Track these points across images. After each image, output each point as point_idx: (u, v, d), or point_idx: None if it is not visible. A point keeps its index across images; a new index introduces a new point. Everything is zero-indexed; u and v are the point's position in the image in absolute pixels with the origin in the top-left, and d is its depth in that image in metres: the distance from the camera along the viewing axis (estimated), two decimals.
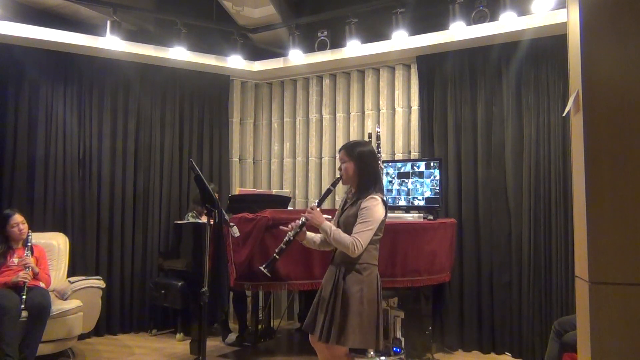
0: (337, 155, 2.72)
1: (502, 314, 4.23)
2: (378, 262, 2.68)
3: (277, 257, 2.64)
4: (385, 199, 2.63)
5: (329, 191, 2.74)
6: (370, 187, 2.59)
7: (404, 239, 3.67)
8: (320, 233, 2.69)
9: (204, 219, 4.25)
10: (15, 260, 3.81)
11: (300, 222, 2.63)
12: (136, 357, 4.19)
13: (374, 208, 2.52)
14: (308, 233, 2.74)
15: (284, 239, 2.65)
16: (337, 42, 4.87)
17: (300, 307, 5.14)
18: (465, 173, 4.44)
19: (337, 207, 2.87)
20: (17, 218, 3.87)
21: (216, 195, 3.72)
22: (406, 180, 4.21)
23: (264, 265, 2.66)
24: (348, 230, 2.55)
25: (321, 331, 2.54)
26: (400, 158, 4.82)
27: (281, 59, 5.31)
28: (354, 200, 2.62)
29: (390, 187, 4.26)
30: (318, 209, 2.60)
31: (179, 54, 4.81)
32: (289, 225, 2.67)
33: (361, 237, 2.48)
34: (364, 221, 2.51)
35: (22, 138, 4.53)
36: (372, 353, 3.75)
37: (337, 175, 2.72)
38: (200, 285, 3.07)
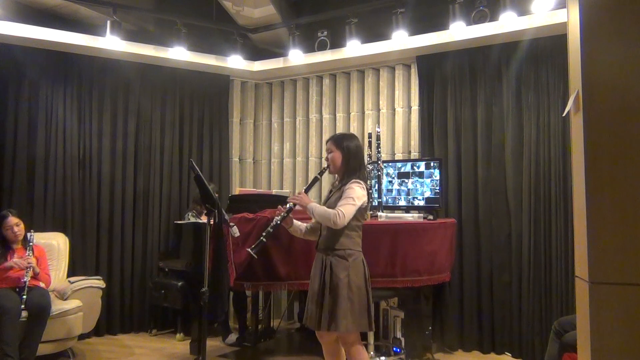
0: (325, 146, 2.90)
1: (502, 314, 4.23)
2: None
3: (264, 239, 2.78)
4: (368, 187, 2.80)
5: (315, 179, 2.91)
6: (354, 176, 2.73)
7: (404, 239, 3.66)
8: (307, 222, 2.89)
9: (204, 219, 4.24)
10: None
11: (288, 207, 2.79)
12: (136, 357, 4.20)
13: (357, 188, 2.68)
14: (295, 221, 2.90)
15: (271, 223, 2.80)
16: (337, 42, 4.86)
17: (300, 307, 5.14)
18: (465, 173, 4.44)
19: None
20: (12, 221, 3.81)
21: (216, 195, 3.73)
22: (406, 180, 4.21)
23: (251, 247, 2.80)
24: None
25: (318, 320, 2.65)
26: (400, 158, 4.82)
27: (281, 59, 5.30)
28: (339, 187, 2.76)
29: (390, 187, 4.26)
30: (304, 193, 2.78)
31: (179, 54, 4.81)
32: (277, 210, 2.82)
33: (344, 209, 2.62)
34: (347, 197, 2.66)
35: (22, 138, 4.53)
36: (372, 353, 3.75)
37: (324, 165, 2.86)
38: (200, 285, 3.07)
